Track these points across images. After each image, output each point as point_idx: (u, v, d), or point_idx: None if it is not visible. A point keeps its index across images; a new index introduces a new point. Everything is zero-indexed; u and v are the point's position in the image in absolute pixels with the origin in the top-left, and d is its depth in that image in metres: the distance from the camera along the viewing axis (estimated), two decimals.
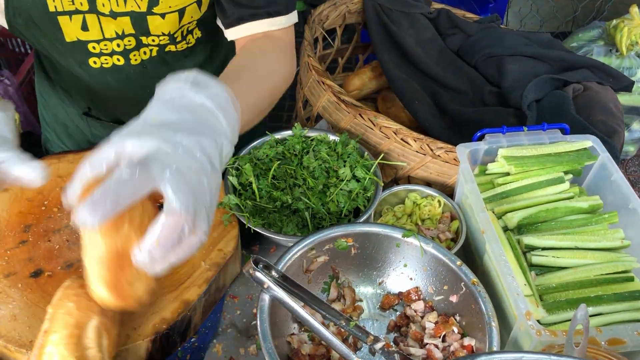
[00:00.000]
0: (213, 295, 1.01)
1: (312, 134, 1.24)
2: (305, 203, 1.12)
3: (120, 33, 1.06)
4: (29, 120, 1.73)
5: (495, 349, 0.88)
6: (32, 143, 1.77)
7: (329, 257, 1.04)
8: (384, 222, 1.16)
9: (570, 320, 0.94)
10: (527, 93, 1.44)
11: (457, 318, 0.99)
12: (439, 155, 1.18)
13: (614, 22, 2.75)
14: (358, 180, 1.14)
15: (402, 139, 1.21)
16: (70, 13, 1.00)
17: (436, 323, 0.99)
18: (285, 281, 0.92)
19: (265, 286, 0.89)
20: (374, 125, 1.23)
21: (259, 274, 0.89)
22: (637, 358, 0.93)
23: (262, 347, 0.85)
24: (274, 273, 0.92)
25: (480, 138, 1.15)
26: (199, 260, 1.01)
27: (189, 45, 1.18)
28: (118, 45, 1.08)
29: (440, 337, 0.98)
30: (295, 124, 1.23)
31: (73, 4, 0.98)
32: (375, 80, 1.73)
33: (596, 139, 1.15)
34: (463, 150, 1.10)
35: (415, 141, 1.19)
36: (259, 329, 0.88)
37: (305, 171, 1.16)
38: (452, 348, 0.96)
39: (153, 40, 1.10)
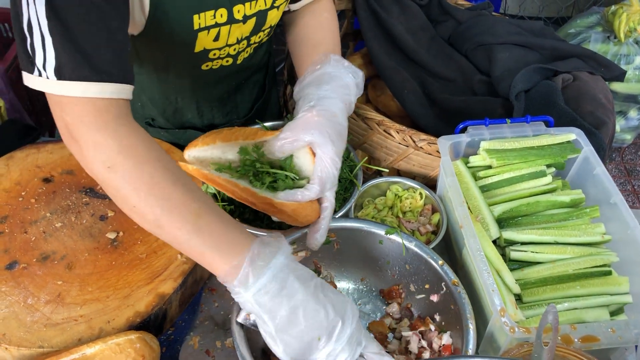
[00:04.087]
0: (190, 288, 1.01)
1: None
2: None
3: (240, 38, 1.07)
4: (15, 108, 1.72)
5: (470, 351, 0.87)
6: (18, 130, 1.75)
7: (311, 252, 1.04)
8: (364, 214, 1.15)
9: None
10: (515, 83, 1.42)
11: (437, 317, 0.99)
12: (421, 147, 1.17)
13: (613, 8, 2.71)
14: (339, 180, 1.13)
15: (384, 131, 1.19)
16: (209, 27, 1.00)
17: (410, 326, 0.99)
18: None
19: None
20: (357, 116, 1.22)
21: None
22: (612, 354, 0.93)
23: (234, 340, 0.85)
24: None
25: (464, 130, 1.13)
26: (176, 252, 1.00)
27: (271, 35, 1.20)
28: (234, 50, 1.09)
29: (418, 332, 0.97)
30: (288, 115, 1.22)
31: (214, 18, 0.98)
32: (366, 67, 1.71)
33: (580, 131, 1.14)
34: (445, 142, 1.09)
35: (397, 133, 1.18)
36: (232, 323, 0.87)
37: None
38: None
39: (259, 37, 1.12)
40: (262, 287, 0.77)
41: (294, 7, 1.16)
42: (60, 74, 0.76)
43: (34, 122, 1.89)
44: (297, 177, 0.96)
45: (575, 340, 0.84)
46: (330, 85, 1.00)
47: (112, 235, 1.03)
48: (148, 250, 1.01)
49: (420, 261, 1.00)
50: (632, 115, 2.81)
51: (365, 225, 1.03)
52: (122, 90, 0.80)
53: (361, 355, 0.81)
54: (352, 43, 1.93)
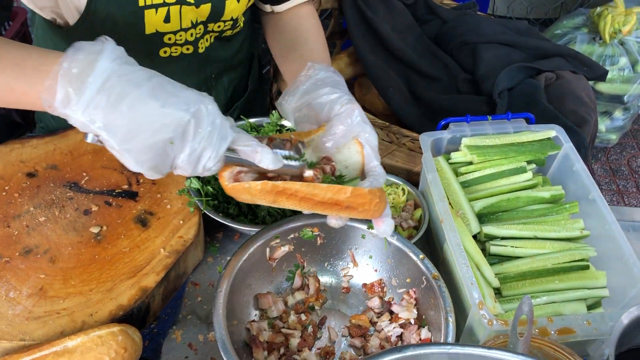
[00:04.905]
0: (172, 282, 1.01)
1: (289, 124, 1.23)
2: None
3: (195, 22, 1.05)
4: None
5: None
6: (4, 126, 1.75)
7: (294, 246, 1.04)
8: None
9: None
10: (498, 81, 1.43)
11: (417, 311, 0.99)
12: (404, 144, 1.18)
13: (598, 9, 2.74)
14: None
15: None
16: (157, 6, 0.99)
17: (391, 320, 1.00)
18: None
19: None
20: None
21: None
22: (589, 347, 0.94)
23: (216, 333, 0.86)
24: None
25: (445, 127, 1.15)
26: (159, 247, 1.01)
27: (238, 29, 1.18)
28: (191, 35, 1.08)
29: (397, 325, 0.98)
30: (273, 111, 1.23)
31: None
32: (352, 66, 1.72)
33: (560, 128, 1.15)
34: (426, 139, 1.10)
35: (381, 129, 1.19)
36: (214, 316, 0.88)
37: None
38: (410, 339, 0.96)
39: (219, 27, 1.10)
40: (88, 103, 0.69)
41: (278, 8, 1.16)
42: None
43: (21, 119, 1.89)
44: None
45: (552, 332, 0.85)
46: (342, 87, 0.98)
47: (95, 230, 1.03)
48: (131, 244, 1.01)
49: (402, 255, 1.01)
50: (617, 116, 2.84)
51: (348, 220, 1.03)
52: None
53: (232, 150, 0.78)
54: (339, 42, 1.94)
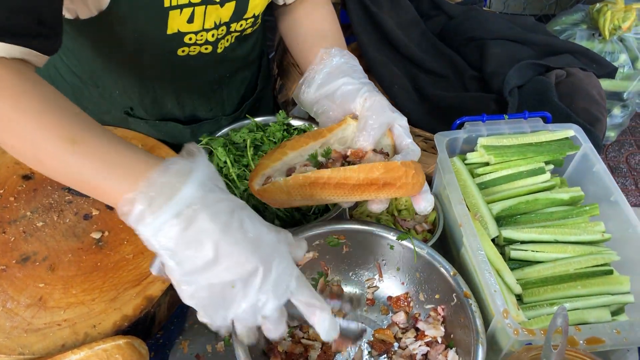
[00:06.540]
0: None
1: (297, 123, 1.19)
2: None
3: (218, 22, 1.01)
4: None
5: None
6: None
7: (319, 253, 0.99)
8: (359, 212, 1.12)
9: (548, 314, 0.92)
10: (508, 79, 1.40)
11: (445, 329, 0.95)
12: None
13: (598, 5, 2.71)
14: None
15: None
16: (182, 7, 0.94)
17: (416, 337, 0.96)
18: None
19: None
20: None
21: None
22: (612, 356, 0.91)
23: (233, 339, 0.81)
24: None
25: (460, 126, 1.11)
26: None
27: (257, 26, 1.14)
28: (212, 36, 1.03)
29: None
30: (280, 111, 1.19)
31: None
32: None
33: (579, 128, 1.12)
34: (441, 139, 1.06)
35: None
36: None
37: None
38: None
39: (240, 25, 1.06)
40: (161, 227, 0.65)
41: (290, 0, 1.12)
42: None
43: None
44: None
45: (580, 342, 0.81)
46: (358, 73, 0.97)
47: (96, 235, 0.98)
48: (135, 250, 0.96)
49: (432, 270, 0.96)
50: (616, 113, 2.82)
51: (376, 229, 0.98)
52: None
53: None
54: None
